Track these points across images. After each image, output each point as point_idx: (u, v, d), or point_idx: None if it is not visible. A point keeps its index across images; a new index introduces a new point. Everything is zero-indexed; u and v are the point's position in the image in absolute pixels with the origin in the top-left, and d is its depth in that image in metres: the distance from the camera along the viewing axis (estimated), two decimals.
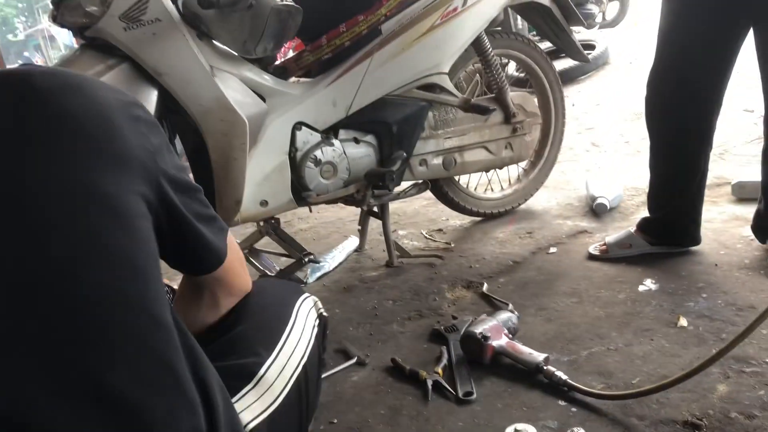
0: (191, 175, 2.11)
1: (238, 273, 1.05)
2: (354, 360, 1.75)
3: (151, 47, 1.80)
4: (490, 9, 2.34)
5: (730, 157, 2.97)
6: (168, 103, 1.91)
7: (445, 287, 2.14)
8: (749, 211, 2.13)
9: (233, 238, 1.01)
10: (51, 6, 1.83)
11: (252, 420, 0.95)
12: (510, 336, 1.67)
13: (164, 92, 1.87)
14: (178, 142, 2.14)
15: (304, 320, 1.13)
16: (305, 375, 1.07)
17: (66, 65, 1.82)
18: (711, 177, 2.25)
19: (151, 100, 1.85)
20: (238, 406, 0.94)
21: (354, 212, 3.09)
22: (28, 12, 28.30)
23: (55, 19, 1.82)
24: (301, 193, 2.12)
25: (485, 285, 2.08)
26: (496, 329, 1.66)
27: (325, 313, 1.22)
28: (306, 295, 1.21)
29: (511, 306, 1.87)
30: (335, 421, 1.49)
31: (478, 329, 1.64)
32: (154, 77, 1.83)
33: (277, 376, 1.01)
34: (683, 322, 1.69)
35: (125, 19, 1.76)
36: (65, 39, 11.76)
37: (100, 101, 0.75)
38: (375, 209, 2.39)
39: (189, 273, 0.98)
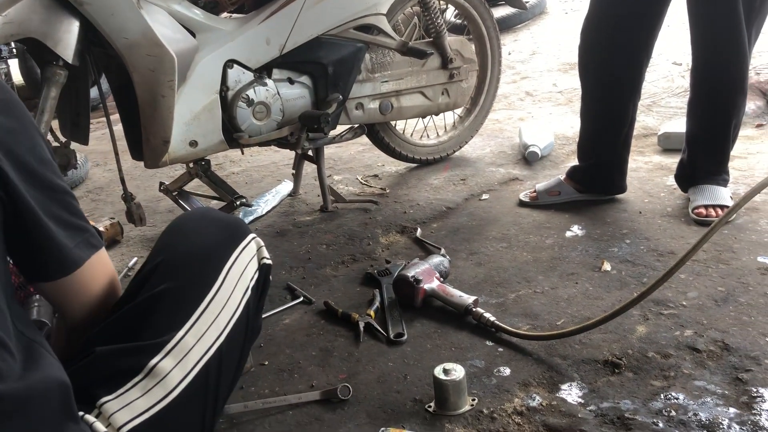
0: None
1: (91, 295, 0.90)
2: (300, 299, 1.75)
3: None
4: None
5: (657, 109, 3.05)
6: (91, 36, 1.80)
7: (379, 232, 2.14)
8: (674, 161, 2.21)
9: (109, 263, 0.91)
10: None
11: (129, 421, 0.82)
12: (441, 279, 1.70)
13: (86, 23, 1.76)
14: (103, 80, 2.04)
15: (235, 281, 0.96)
16: (219, 360, 0.92)
17: None
18: (638, 127, 2.32)
19: (71, 31, 1.74)
20: (115, 404, 0.82)
21: (289, 156, 3.04)
22: None
23: None
24: (232, 135, 2.06)
25: (418, 230, 2.10)
26: (427, 273, 1.68)
27: (268, 261, 1.05)
28: (249, 238, 1.02)
29: (443, 250, 1.89)
30: (266, 363, 1.49)
31: (411, 273, 1.66)
32: (75, 6, 1.72)
33: (176, 365, 0.87)
34: (607, 266, 1.75)
35: None
36: None
37: None
38: (310, 153, 2.35)
39: (30, 278, 0.84)
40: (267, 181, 2.82)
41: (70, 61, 1.74)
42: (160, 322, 0.89)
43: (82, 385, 0.79)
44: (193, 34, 1.94)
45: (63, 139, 2.00)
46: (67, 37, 1.74)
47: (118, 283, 0.96)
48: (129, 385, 0.84)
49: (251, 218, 2.37)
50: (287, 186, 2.60)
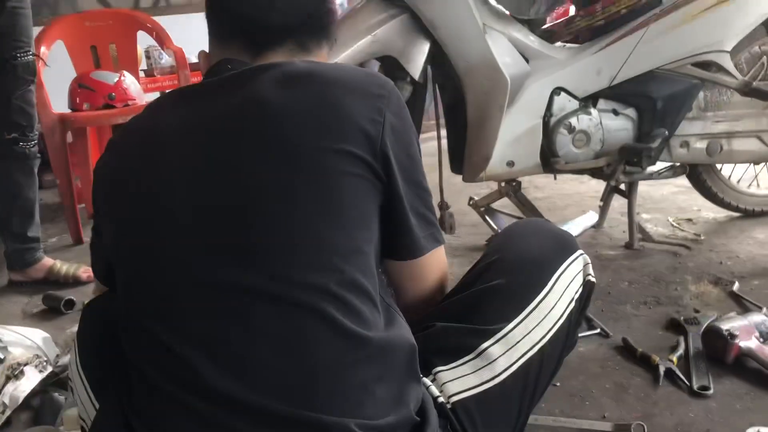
0: (444, 141, 2.21)
1: (426, 281, 1.01)
2: (597, 330, 1.73)
3: (432, 1, 1.89)
4: None
5: None
6: (435, 56, 2.00)
7: (689, 279, 2.01)
8: None
9: (445, 259, 1.03)
10: None
11: (460, 392, 0.91)
12: (761, 340, 1.54)
13: (435, 45, 1.96)
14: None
15: (562, 290, 1.02)
16: (540, 359, 0.97)
17: (353, 13, 1.97)
18: None
19: (422, 51, 1.95)
20: (449, 374, 0.92)
21: (595, 189, 3.01)
22: None
23: None
24: (549, 159, 2.11)
25: (736, 284, 1.92)
26: (745, 330, 1.54)
27: (592, 279, 1.09)
28: (578, 253, 1.08)
29: (765, 310, 1.71)
30: (558, 384, 1.49)
31: (725, 326, 1.53)
32: (429, 30, 1.93)
33: (504, 352, 0.94)
34: None
35: None
36: None
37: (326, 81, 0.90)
38: (622, 187, 2.30)
39: (382, 255, 0.95)
40: (570, 210, 2.82)
41: (416, 78, 1.95)
42: (493, 312, 0.97)
43: (420, 352, 0.89)
44: (527, 60, 2.04)
45: None
46: (418, 57, 1.95)
47: (447, 277, 1.06)
48: (461, 361, 0.93)
49: None
50: (592, 217, 2.56)
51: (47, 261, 2.39)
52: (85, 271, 2.38)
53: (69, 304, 2.11)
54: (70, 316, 2.08)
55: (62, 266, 2.38)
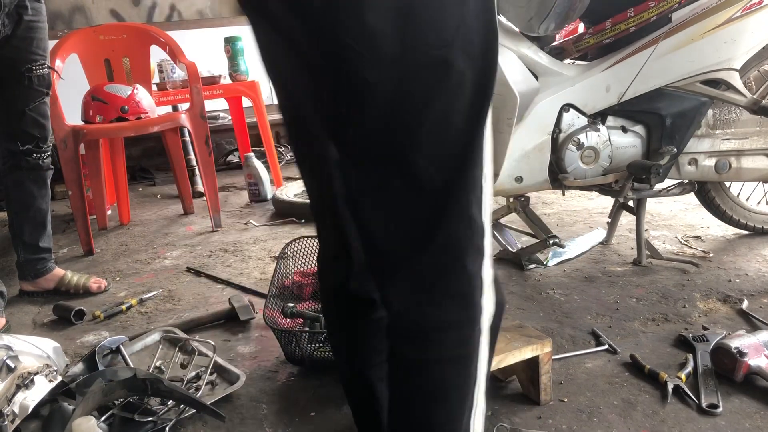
0: None
1: None
2: (605, 347, 1.73)
3: None
4: None
5: None
6: None
7: (697, 296, 2.01)
8: None
9: None
10: None
11: None
12: None
13: None
14: None
15: None
16: None
17: None
18: None
19: None
20: None
21: (602, 205, 3.02)
22: None
23: None
24: (557, 175, 2.12)
25: (745, 302, 1.92)
26: (755, 348, 1.53)
27: None
28: None
29: None
30: (565, 400, 1.49)
31: (734, 344, 1.53)
32: None
33: None
34: None
35: None
36: None
37: None
38: (630, 203, 2.30)
39: None
40: (578, 226, 2.82)
41: None
42: None
43: None
44: (536, 77, 2.05)
45: None
46: None
47: None
48: None
49: (559, 259, 2.39)
50: (599, 234, 2.57)
51: (58, 271, 2.41)
52: (95, 282, 2.40)
53: (79, 314, 2.13)
54: (80, 327, 2.09)
55: (73, 277, 2.40)
